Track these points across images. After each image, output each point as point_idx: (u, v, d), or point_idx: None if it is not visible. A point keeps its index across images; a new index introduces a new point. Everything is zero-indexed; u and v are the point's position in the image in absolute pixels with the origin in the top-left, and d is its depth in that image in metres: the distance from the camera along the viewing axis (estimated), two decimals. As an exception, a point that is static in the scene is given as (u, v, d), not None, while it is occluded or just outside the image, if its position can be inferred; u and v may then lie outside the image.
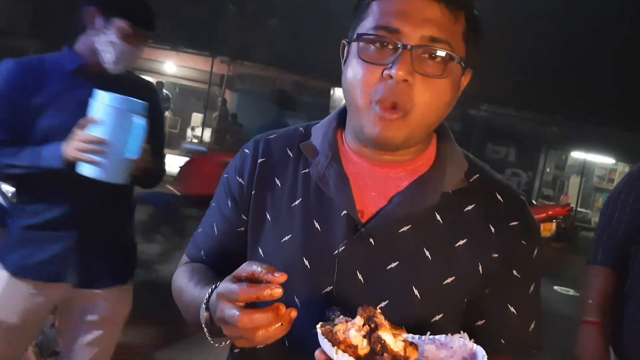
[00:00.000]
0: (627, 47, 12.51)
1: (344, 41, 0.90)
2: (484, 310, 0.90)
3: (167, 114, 15.01)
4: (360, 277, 0.86)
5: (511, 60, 13.10)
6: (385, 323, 0.71)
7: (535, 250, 0.92)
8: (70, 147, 1.58)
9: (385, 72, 0.81)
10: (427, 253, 0.87)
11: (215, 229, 1.00)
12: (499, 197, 0.91)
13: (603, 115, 13.50)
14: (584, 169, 16.17)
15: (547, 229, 10.35)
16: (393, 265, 0.86)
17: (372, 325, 0.70)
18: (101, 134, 1.55)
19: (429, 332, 0.78)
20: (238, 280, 0.74)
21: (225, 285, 0.74)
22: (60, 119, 1.72)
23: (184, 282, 0.96)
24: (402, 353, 0.68)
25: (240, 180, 0.96)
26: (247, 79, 15.79)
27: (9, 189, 2.62)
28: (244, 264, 0.76)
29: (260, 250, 0.94)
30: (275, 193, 0.93)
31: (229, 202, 0.98)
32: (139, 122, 1.57)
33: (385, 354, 0.67)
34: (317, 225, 0.89)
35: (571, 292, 7.42)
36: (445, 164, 0.90)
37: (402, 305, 0.86)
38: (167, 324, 3.49)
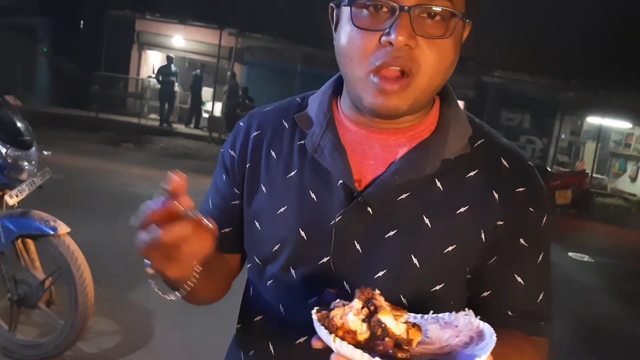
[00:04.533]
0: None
1: (332, 4, 0.85)
2: (489, 280, 0.87)
3: (177, 89, 15.00)
4: (357, 246, 0.84)
5: (525, 26, 12.82)
6: (385, 304, 0.66)
7: (544, 218, 0.87)
8: None
9: (384, 38, 0.75)
10: (427, 221, 0.83)
11: (210, 203, 0.98)
12: (504, 163, 0.87)
13: (619, 80, 13.24)
14: (599, 134, 15.93)
15: (563, 197, 10.27)
16: (391, 233, 0.83)
17: (372, 307, 0.65)
18: None
19: (431, 311, 0.73)
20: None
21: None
22: None
23: None
24: (404, 336, 0.63)
25: (233, 153, 0.94)
26: (256, 52, 15.66)
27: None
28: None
29: (256, 224, 0.91)
30: (271, 165, 0.90)
31: (223, 176, 0.96)
32: None
33: (386, 338, 0.62)
34: (312, 195, 0.86)
35: (586, 257, 7.39)
36: (447, 129, 0.86)
37: (400, 275, 0.83)
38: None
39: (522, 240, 0.85)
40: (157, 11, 15.16)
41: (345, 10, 0.80)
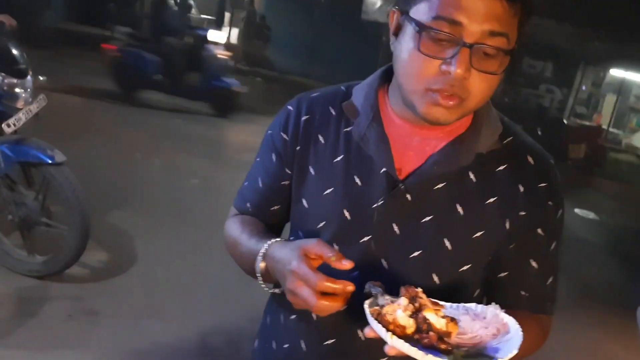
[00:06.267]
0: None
1: (394, 9, 0.90)
2: (507, 263, 0.98)
3: (194, 12, 14.66)
4: (396, 229, 0.95)
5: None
6: (427, 301, 0.78)
7: (560, 211, 0.99)
8: None
9: (444, 67, 0.83)
10: (460, 209, 0.94)
11: (260, 182, 1.08)
12: (530, 160, 0.97)
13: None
14: (621, 88, 15.58)
15: (577, 151, 10.18)
16: (427, 219, 0.94)
17: (416, 305, 0.77)
18: None
19: (462, 303, 0.85)
20: (307, 257, 0.83)
21: (300, 266, 0.82)
22: None
23: (237, 233, 1.06)
24: (445, 329, 0.75)
25: (285, 136, 1.03)
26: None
27: None
28: (314, 242, 0.85)
29: (304, 202, 1.01)
30: (319, 149, 1.00)
31: (274, 157, 1.05)
32: None
33: (431, 333, 0.74)
34: (357, 180, 0.96)
35: (592, 215, 7.43)
36: (481, 126, 0.95)
37: (434, 256, 0.94)
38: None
39: (539, 230, 0.97)
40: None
41: (410, 30, 0.85)
